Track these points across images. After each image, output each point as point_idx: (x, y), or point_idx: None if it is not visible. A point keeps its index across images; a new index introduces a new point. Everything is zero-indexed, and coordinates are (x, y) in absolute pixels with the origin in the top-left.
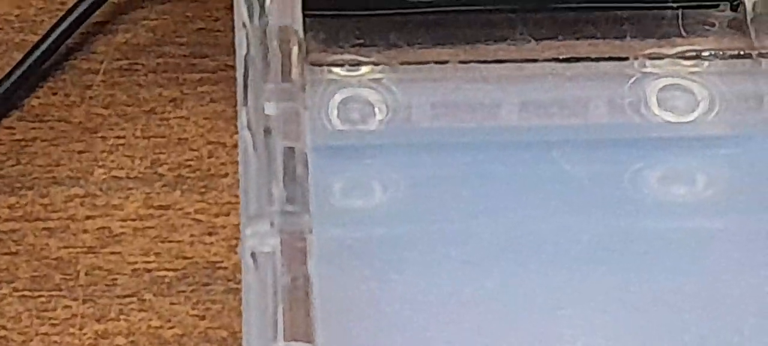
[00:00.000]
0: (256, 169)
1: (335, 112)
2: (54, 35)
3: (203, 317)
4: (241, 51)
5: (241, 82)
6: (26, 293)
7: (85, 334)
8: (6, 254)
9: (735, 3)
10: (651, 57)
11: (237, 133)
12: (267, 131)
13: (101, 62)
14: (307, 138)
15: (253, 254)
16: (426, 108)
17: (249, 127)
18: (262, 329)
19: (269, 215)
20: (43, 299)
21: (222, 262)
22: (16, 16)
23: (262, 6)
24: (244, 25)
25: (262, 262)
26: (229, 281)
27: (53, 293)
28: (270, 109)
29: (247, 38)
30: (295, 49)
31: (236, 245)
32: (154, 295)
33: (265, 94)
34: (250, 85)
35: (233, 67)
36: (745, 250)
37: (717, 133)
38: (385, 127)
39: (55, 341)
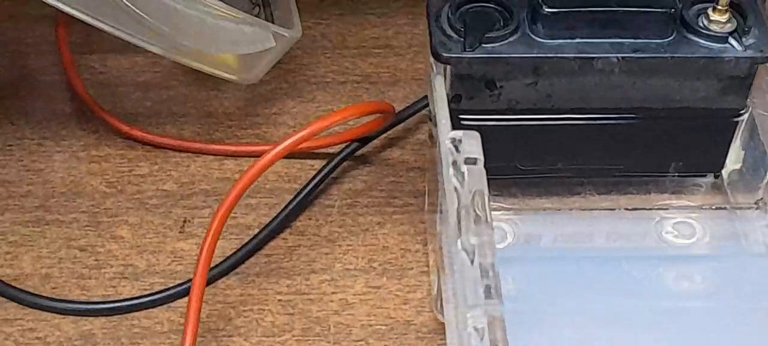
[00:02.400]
0: (469, 276)
1: None
2: (309, 186)
3: None
4: (453, 205)
5: (456, 221)
6: (300, 337)
7: None
8: (286, 314)
9: (717, 174)
10: (666, 207)
11: (418, 242)
12: (473, 254)
13: (335, 201)
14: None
15: (475, 328)
16: (548, 238)
17: (464, 250)
18: None
19: (482, 306)
20: (309, 341)
21: (413, 320)
22: (286, 173)
23: (463, 179)
24: (455, 189)
25: (480, 331)
26: (418, 332)
27: (315, 337)
28: (473, 240)
29: (458, 196)
30: (486, 203)
31: (420, 311)
32: (374, 339)
33: (470, 231)
34: (462, 222)
35: (414, 205)
36: (724, 317)
37: (707, 252)
38: (511, 246)
39: None
